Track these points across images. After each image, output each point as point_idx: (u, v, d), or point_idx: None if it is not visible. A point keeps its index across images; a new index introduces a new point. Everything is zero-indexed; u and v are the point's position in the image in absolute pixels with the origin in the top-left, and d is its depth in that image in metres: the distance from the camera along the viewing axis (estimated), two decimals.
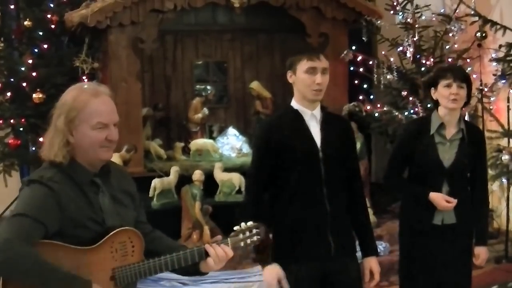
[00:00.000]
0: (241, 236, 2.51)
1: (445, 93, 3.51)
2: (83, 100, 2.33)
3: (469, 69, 6.68)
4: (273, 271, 2.99)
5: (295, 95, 3.13)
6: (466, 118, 6.22)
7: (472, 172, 3.63)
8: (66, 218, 2.27)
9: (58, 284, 2.22)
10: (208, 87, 7.44)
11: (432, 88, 3.61)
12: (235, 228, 2.52)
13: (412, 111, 6.55)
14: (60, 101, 2.38)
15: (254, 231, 2.52)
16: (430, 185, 3.55)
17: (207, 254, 2.46)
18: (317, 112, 3.11)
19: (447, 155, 3.56)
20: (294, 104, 3.13)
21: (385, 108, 6.78)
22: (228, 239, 2.50)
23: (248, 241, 2.51)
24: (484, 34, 6.39)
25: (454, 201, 3.49)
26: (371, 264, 3.15)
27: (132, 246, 2.38)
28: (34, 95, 6.23)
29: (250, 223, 2.53)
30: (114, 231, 2.34)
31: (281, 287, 2.98)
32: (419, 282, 3.63)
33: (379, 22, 6.84)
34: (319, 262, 3.03)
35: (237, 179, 6.36)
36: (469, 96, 3.60)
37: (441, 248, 3.57)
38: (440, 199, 3.49)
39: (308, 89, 3.02)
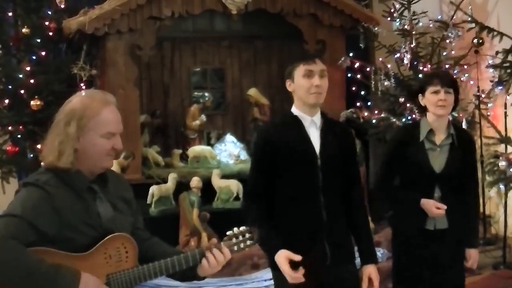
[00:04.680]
0: (234, 240, 2.52)
1: (433, 99, 3.54)
2: (94, 109, 2.35)
3: (466, 75, 6.70)
4: (281, 255, 2.90)
5: (295, 102, 3.13)
6: (464, 124, 6.25)
7: (463, 176, 3.64)
8: (62, 221, 2.27)
9: (44, 276, 2.19)
10: (206, 94, 7.44)
11: (420, 95, 3.64)
12: (228, 233, 2.53)
13: (409, 117, 6.54)
14: (67, 107, 2.38)
15: (247, 235, 2.54)
16: (422, 191, 3.57)
17: (201, 259, 2.46)
18: (317, 118, 3.11)
19: (437, 160, 3.58)
20: (294, 110, 3.13)
21: (382, 115, 6.77)
22: (222, 243, 2.51)
23: (242, 245, 2.53)
24: (481, 41, 6.41)
25: (444, 207, 3.49)
26: (370, 271, 3.10)
27: (126, 252, 2.38)
28: (32, 102, 6.22)
29: (243, 227, 2.54)
30: (107, 237, 2.34)
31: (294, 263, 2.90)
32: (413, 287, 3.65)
33: (376, 28, 6.85)
34: (312, 271, 2.98)
35: (234, 185, 6.35)
36: (456, 100, 3.62)
37: (433, 252, 3.59)
38: (430, 206, 3.50)
39: (307, 93, 3.02)
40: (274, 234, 2.98)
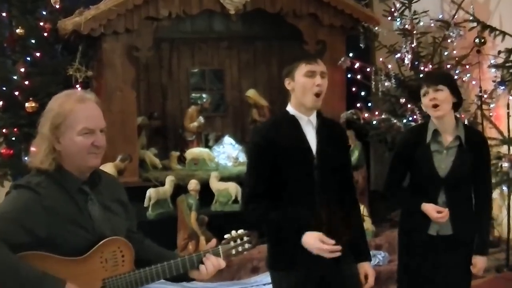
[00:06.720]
0: (232, 243, 2.52)
1: (426, 101, 3.49)
2: (68, 107, 2.32)
3: (468, 75, 6.66)
4: (312, 236, 2.90)
5: (292, 102, 3.12)
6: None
7: (473, 181, 3.54)
8: (53, 222, 2.24)
9: (28, 281, 2.17)
10: (204, 96, 7.42)
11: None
12: (226, 236, 2.53)
13: (410, 118, 6.50)
14: (47, 108, 2.38)
15: (245, 238, 2.53)
16: (426, 195, 3.49)
17: (198, 263, 2.45)
18: (313, 118, 3.11)
19: (443, 164, 3.48)
20: (291, 109, 3.12)
21: (383, 116, 6.74)
22: (219, 247, 2.50)
23: (240, 248, 2.53)
24: (483, 40, 6.36)
25: (445, 211, 3.39)
26: (366, 268, 3.16)
27: (122, 256, 2.36)
28: (27, 104, 6.17)
29: (241, 230, 2.54)
30: (103, 241, 2.31)
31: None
32: None
33: (376, 28, 6.83)
34: (315, 269, 2.99)
35: (233, 188, 6.32)
36: (458, 97, 3.53)
37: (437, 258, 3.51)
38: (431, 210, 3.41)
39: (308, 93, 3.02)
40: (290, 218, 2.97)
